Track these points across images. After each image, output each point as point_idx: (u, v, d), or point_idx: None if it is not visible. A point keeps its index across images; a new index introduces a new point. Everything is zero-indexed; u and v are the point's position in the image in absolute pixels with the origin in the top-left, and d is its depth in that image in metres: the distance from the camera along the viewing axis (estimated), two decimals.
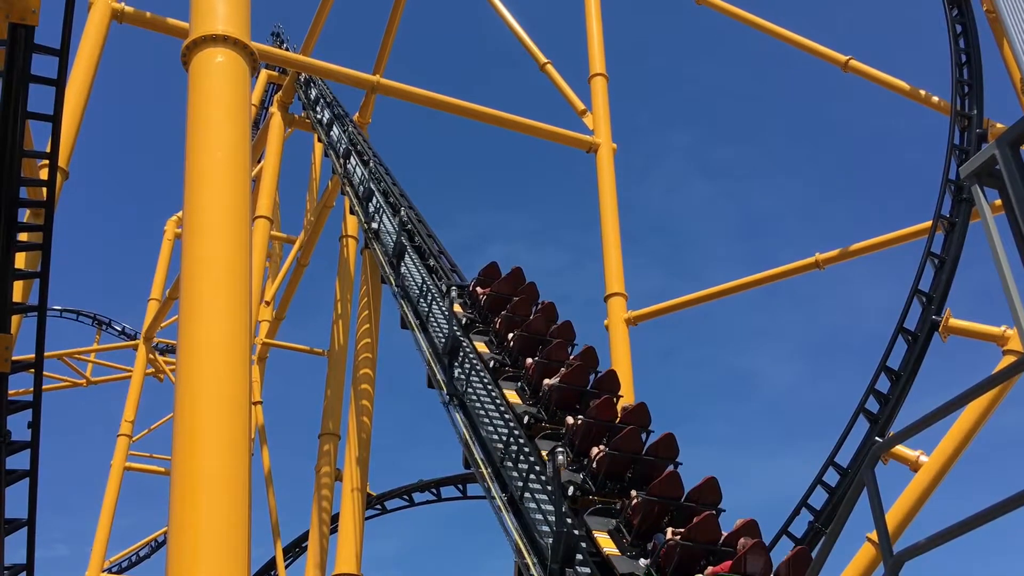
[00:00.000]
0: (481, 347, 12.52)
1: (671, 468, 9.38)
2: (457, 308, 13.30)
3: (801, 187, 64.08)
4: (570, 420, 10.37)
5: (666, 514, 8.87)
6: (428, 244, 15.87)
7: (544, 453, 10.13)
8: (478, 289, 13.62)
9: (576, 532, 8.71)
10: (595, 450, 9.79)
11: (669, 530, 8.61)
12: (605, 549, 8.67)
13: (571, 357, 11.49)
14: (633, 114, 61.65)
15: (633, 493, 9.06)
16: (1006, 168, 3.43)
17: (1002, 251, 3.56)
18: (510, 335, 12.22)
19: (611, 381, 11.09)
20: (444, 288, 13.70)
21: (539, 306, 12.60)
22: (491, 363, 12.01)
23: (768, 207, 65.82)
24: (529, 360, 11.53)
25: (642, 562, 8.49)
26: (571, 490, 9.42)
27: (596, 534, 8.89)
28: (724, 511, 9.07)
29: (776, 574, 8.01)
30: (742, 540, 8.12)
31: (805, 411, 58.94)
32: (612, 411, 10.28)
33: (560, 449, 9.90)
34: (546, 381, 11.06)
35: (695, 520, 8.44)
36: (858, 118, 58.12)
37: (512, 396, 11.35)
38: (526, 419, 10.72)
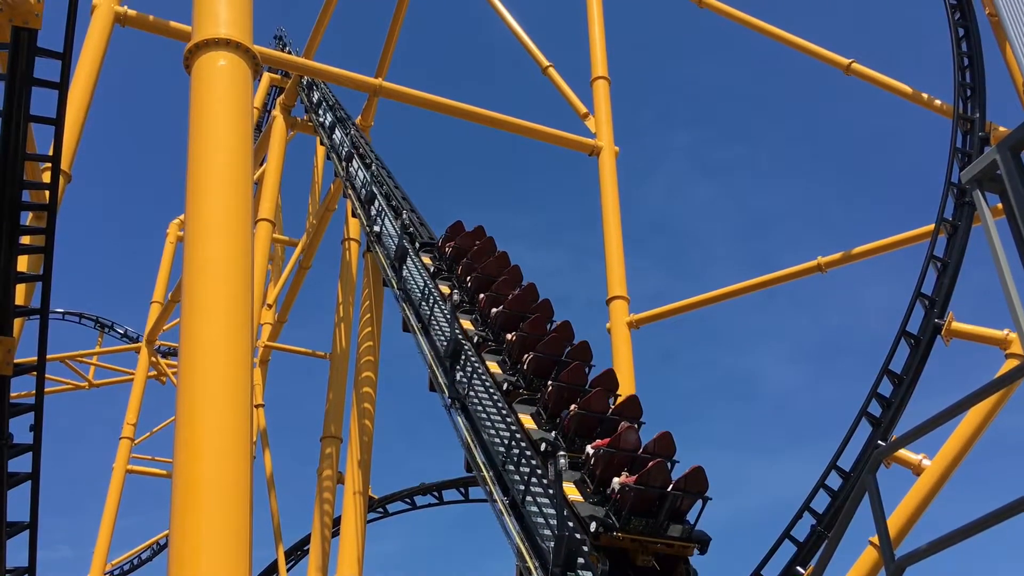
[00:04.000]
0: (445, 289, 14.06)
1: (578, 363, 11.29)
2: (427, 260, 14.87)
3: (802, 188, 64.14)
4: (510, 336, 12.23)
5: (575, 398, 10.67)
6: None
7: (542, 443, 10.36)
8: (444, 244, 15.14)
9: (578, 536, 8.71)
10: (526, 356, 11.73)
11: (573, 406, 10.46)
12: (527, 425, 10.76)
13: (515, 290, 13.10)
14: (634, 115, 61.74)
15: (548, 383, 10.98)
16: (1007, 173, 3.43)
17: (1003, 255, 3.55)
18: (468, 277, 14.07)
19: (564, 327, 12.41)
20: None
21: (495, 255, 14.23)
22: (456, 299, 13.72)
23: (769, 208, 65.89)
24: (482, 295, 13.40)
25: (553, 433, 10.48)
26: (504, 385, 11.57)
27: (520, 416, 10.92)
28: (619, 395, 11.00)
29: (644, 448, 9.58)
30: (622, 424, 9.86)
31: (807, 413, 58.98)
32: (543, 328, 12.22)
33: (561, 453, 9.91)
34: (492, 309, 12.95)
35: (589, 395, 10.48)
36: (860, 120, 58.18)
37: (467, 324, 13.07)
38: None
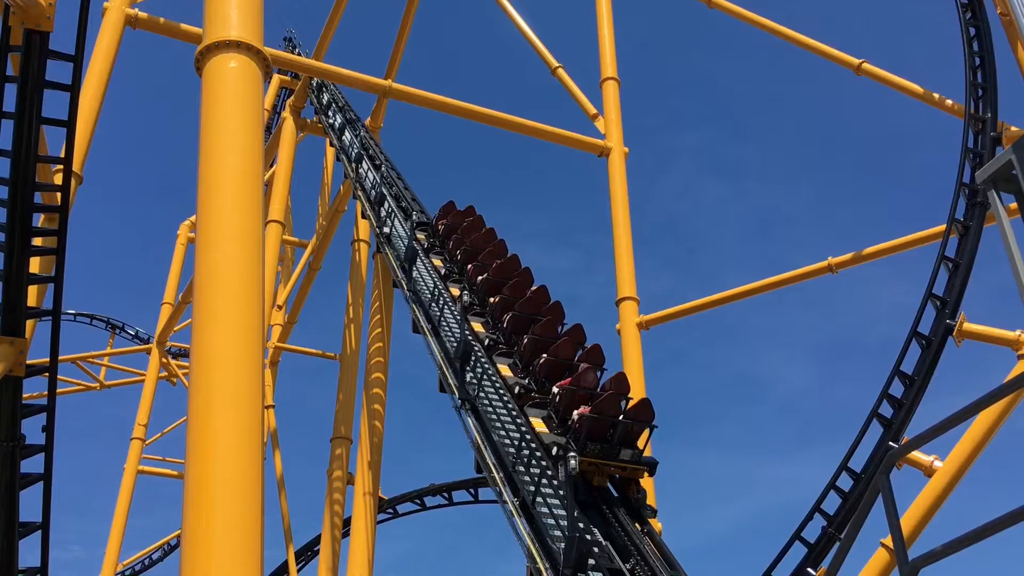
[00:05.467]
0: (437, 262, 15.15)
1: (550, 318, 12.41)
2: (421, 236, 15.86)
3: (813, 188, 63.97)
4: (493, 299, 13.43)
5: (547, 349, 11.76)
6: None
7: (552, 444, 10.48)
8: (438, 222, 16.31)
9: (588, 537, 8.71)
10: (506, 315, 12.92)
11: (544, 355, 11.65)
12: (504, 373, 12.03)
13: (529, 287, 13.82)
14: (645, 115, 61.68)
15: (524, 337, 12.20)
16: (1023, 173, 3.41)
17: (1018, 255, 3.53)
18: (458, 250, 15.12)
19: (540, 290, 13.45)
20: (414, 221, 16.15)
21: (483, 231, 15.20)
22: (442, 271, 14.86)
23: (780, 208, 65.73)
24: (470, 265, 14.49)
25: (527, 380, 11.71)
26: (486, 340, 12.75)
27: (499, 366, 12.16)
28: (586, 346, 11.91)
29: (602, 387, 10.76)
30: (582, 365, 11.03)
31: (817, 414, 58.82)
32: (522, 292, 13.34)
33: (572, 455, 9.93)
34: (478, 277, 14.14)
35: (557, 344, 11.74)
36: (871, 119, 57.98)
37: (455, 291, 14.14)
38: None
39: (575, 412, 10.35)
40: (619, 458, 10.15)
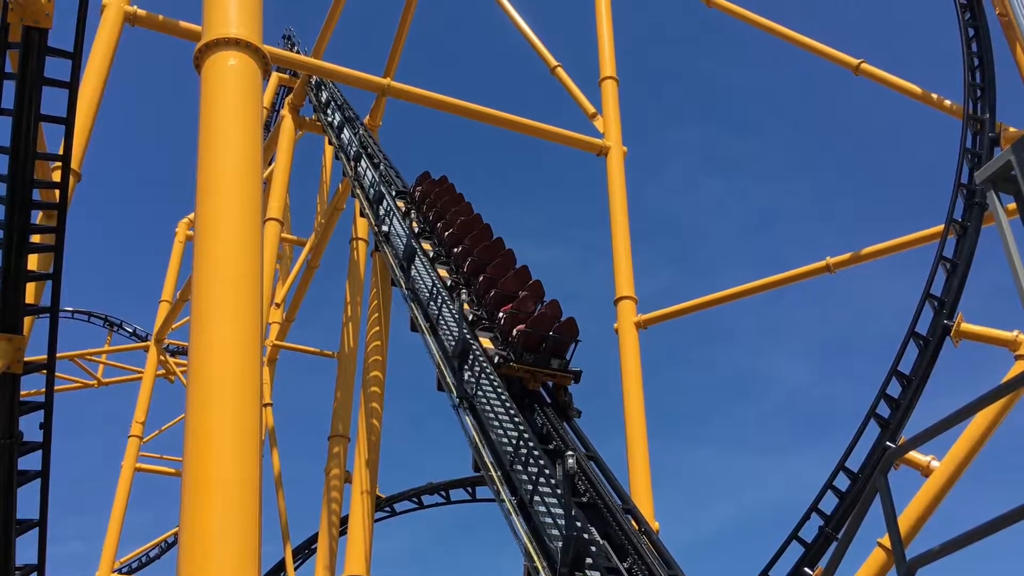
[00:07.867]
0: (415, 224, 16.48)
1: (501, 259, 14.11)
2: (400, 204, 17.20)
3: (811, 187, 64.00)
4: (456, 249, 14.93)
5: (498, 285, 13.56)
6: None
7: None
8: (415, 189, 17.68)
9: (586, 536, 8.71)
10: (467, 261, 14.51)
11: (494, 290, 13.47)
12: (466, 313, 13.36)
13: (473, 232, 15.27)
14: (644, 112, 61.67)
15: (481, 276, 13.89)
16: (1022, 173, 3.41)
17: (1017, 256, 3.54)
18: (431, 212, 16.53)
19: (497, 241, 15.03)
20: (395, 191, 17.68)
21: (453, 196, 16.52)
22: (416, 229, 16.26)
23: (778, 206, 65.77)
24: (440, 223, 16.03)
25: (480, 311, 13.45)
26: (448, 281, 14.17)
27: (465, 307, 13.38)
28: (531, 277, 13.52)
29: (538, 311, 12.43)
30: (523, 294, 12.97)
31: (815, 413, 58.84)
32: (481, 242, 14.82)
33: (570, 453, 9.92)
34: (446, 232, 15.71)
35: (505, 279, 13.46)
36: (869, 119, 57.97)
37: (427, 246, 15.74)
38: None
39: (514, 330, 12.27)
40: (550, 366, 12.07)
